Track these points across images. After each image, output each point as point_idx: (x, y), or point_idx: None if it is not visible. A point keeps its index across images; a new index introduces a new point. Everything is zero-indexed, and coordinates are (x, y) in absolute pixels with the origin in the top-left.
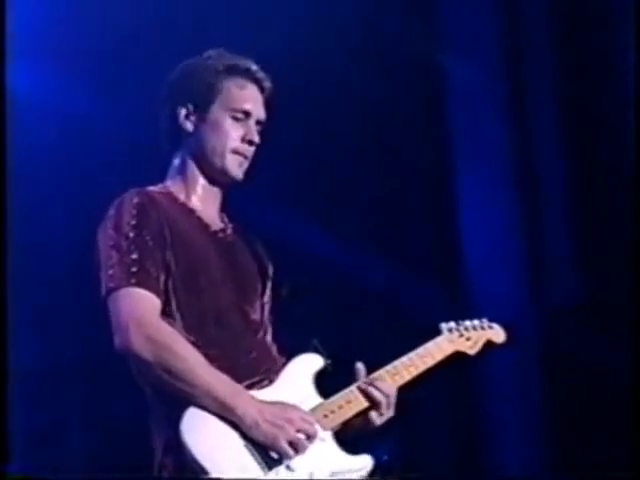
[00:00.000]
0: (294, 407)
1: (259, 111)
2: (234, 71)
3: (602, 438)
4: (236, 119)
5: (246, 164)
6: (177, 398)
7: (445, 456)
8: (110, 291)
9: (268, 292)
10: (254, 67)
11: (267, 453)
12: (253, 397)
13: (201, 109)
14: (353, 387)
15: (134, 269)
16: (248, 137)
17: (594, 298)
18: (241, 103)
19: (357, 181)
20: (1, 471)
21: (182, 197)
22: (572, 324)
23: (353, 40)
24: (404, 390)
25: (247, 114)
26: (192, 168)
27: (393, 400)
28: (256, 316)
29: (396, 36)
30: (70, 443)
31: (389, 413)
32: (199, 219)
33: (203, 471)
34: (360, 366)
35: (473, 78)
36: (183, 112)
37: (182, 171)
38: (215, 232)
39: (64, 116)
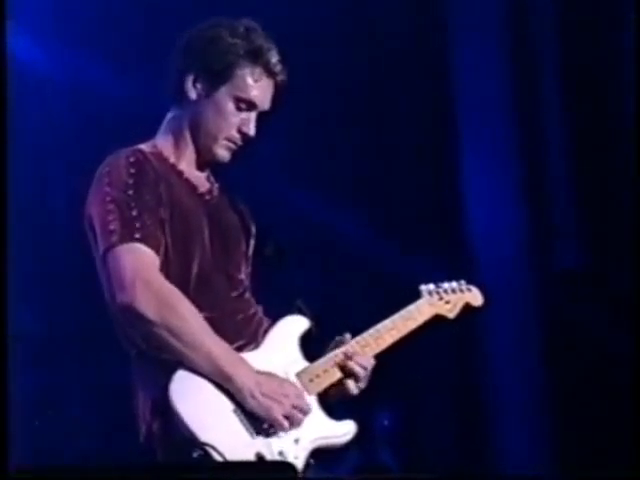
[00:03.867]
0: (291, 383)
1: (265, 104)
2: (255, 58)
3: (603, 408)
4: (239, 108)
5: (235, 149)
6: (165, 360)
7: (446, 426)
8: (112, 246)
9: (251, 251)
10: (275, 59)
11: (256, 418)
12: (251, 368)
13: (210, 85)
14: (338, 351)
15: (138, 225)
16: (245, 129)
17: (597, 266)
18: (250, 95)
19: (355, 147)
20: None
21: (172, 159)
22: (574, 292)
23: (357, 18)
24: (401, 359)
25: (252, 106)
26: (186, 135)
27: (369, 372)
28: (242, 277)
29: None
30: (67, 408)
31: (364, 384)
32: (187, 181)
33: (191, 434)
34: (347, 337)
35: (478, 45)
36: (191, 79)
37: (175, 134)
38: (202, 194)
39: (67, 84)
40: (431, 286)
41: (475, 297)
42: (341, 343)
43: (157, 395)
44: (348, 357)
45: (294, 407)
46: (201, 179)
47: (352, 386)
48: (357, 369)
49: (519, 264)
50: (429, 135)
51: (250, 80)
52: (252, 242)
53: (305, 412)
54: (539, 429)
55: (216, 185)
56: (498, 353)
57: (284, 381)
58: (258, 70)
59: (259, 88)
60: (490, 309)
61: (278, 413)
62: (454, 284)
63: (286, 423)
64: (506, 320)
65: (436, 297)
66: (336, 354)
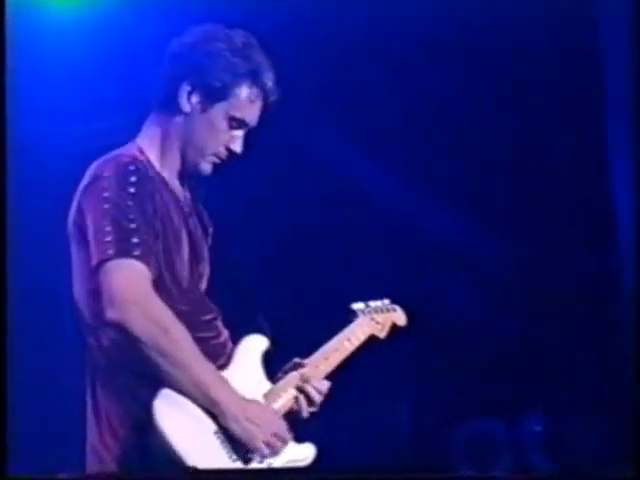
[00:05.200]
0: (272, 410)
1: (254, 122)
2: (252, 79)
3: None
4: (231, 126)
5: (219, 163)
6: (143, 375)
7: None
8: (107, 259)
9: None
10: (271, 82)
11: (236, 442)
12: (236, 392)
13: (205, 101)
14: (296, 373)
15: (135, 240)
16: (233, 146)
17: None
18: (244, 115)
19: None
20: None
21: (157, 166)
22: None
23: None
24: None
25: (244, 124)
26: (174, 145)
27: (324, 396)
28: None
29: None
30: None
31: (316, 409)
32: (172, 192)
33: (171, 453)
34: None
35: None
36: (187, 90)
37: (164, 142)
38: (182, 206)
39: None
40: (361, 305)
41: (400, 317)
42: (298, 365)
43: (136, 410)
44: (305, 380)
45: (275, 435)
46: (181, 190)
47: (304, 409)
48: (313, 394)
49: None
50: (578, 137)
51: (246, 101)
52: (209, 242)
53: (285, 441)
54: None
55: (187, 190)
56: None
57: (267, 408)
58: (255, 91)
59: (253, 109)
60: None
61: (260, 440)
62: (379, 303)
63: (266, 451)
64: None
65: (368, 317)
66: (294, 376)
